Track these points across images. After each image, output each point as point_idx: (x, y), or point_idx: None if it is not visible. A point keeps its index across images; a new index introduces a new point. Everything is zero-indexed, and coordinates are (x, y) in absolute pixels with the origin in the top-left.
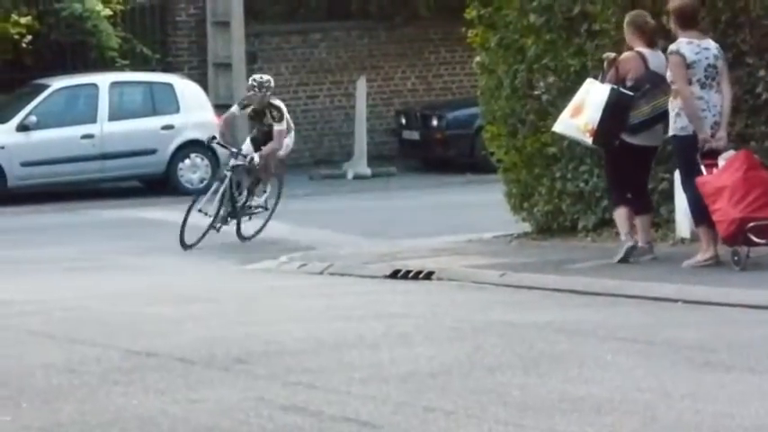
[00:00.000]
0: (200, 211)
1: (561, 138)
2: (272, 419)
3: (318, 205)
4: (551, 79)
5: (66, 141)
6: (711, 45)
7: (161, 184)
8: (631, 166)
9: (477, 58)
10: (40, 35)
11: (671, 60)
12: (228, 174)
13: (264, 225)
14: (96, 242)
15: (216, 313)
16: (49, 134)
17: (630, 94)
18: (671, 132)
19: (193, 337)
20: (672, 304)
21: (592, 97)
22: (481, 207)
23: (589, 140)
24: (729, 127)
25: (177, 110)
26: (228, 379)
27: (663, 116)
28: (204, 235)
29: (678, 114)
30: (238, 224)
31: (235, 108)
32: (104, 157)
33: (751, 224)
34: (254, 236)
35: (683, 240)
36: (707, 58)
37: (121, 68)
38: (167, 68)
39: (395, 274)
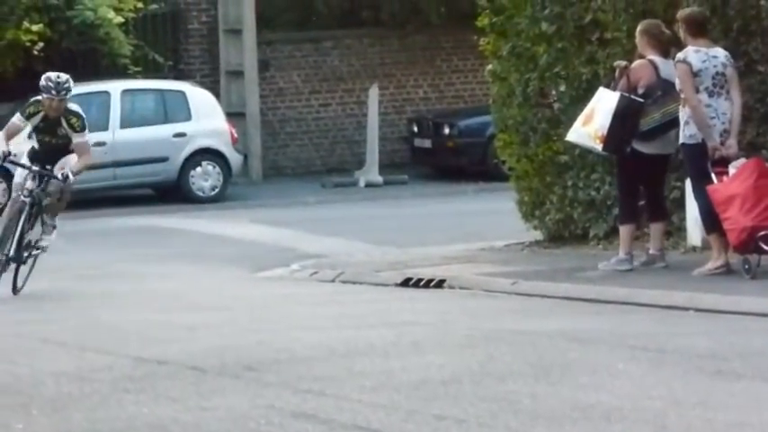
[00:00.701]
0: None
1: (573, 146)
2: (283, 427)
3: (330, 213)
4: (563, 87)
5: None
6: (720, 53)
7: (172, 192)
8: (645, 175)
9: (489, 67)
10: (52, 42)
11: (678, 69)
12: (28, 200)
13: (29, 273)
14: (107, 250)
15: (227, 321)
16: None
17: (640, 100)
18: (681, 140)
19: (205, 345)
20: (683, 312)
21: (602, 104)
22: (493, 215)
23: (600, 147)
24: (740, 135)
25: (189, 117)
26: (240, 386)
27: (674, 123)
28: None
29: (687, 123)
30: (17, 269)
31: (17, 117)
32: (116, 164)
33: (762, 233)
34: (23, 287)
35: (694, 248)
36: (715, 66)
37: (133, 76)
38: (179, 76)
39: (406, 282)
